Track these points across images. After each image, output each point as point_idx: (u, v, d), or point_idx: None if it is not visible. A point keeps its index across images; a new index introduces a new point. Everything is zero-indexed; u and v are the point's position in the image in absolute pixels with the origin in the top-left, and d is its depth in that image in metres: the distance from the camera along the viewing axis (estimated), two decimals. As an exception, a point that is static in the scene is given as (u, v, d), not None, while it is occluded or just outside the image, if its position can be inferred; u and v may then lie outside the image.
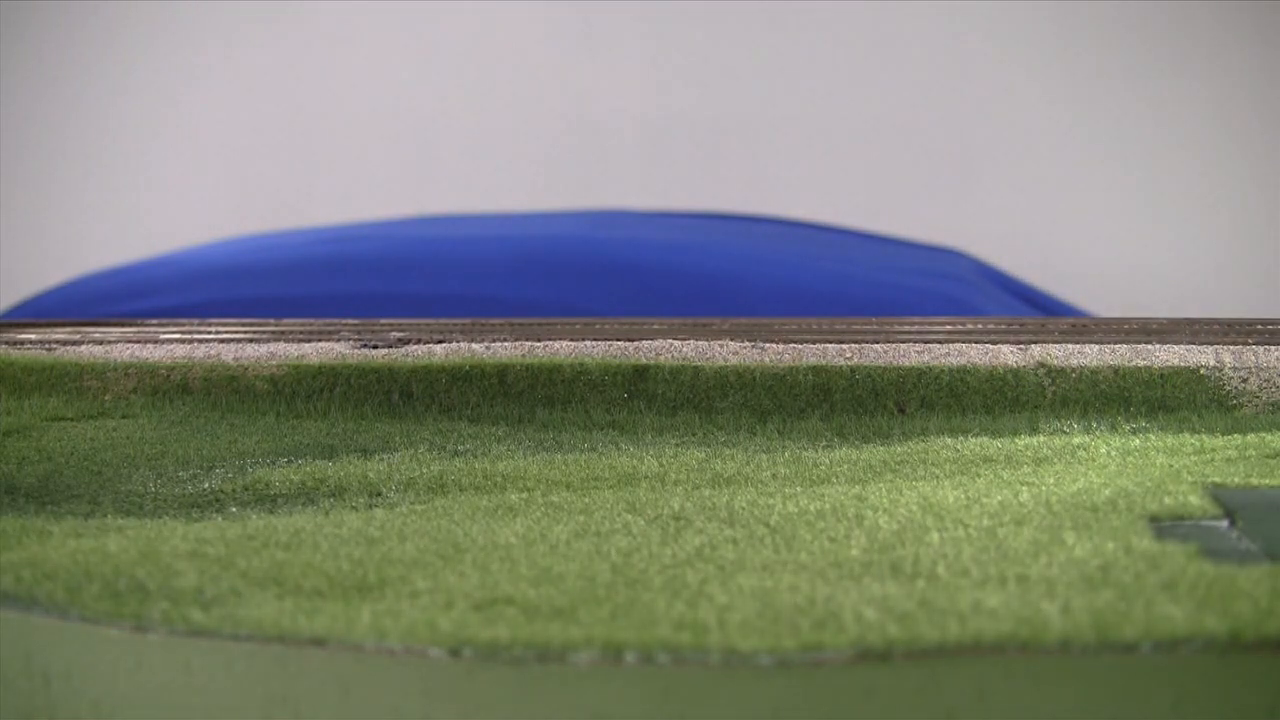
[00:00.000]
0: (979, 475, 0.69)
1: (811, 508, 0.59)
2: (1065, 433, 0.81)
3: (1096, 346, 0.91)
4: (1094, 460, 0.72)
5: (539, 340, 0.96)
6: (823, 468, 0.73)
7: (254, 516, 0.64)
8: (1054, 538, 0.51)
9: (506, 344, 0.96)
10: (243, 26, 2.53)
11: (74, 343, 1.02)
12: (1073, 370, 0.88)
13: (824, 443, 0.82)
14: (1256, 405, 0.84)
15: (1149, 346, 0.90)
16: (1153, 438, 0.77)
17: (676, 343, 0.94)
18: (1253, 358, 0.86)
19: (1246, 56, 2.25)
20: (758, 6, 2.43)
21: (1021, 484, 0.63)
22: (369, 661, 0.42)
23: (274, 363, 0.95)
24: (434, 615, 0.44)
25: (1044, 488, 0.62)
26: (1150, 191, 2.30)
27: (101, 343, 1.01)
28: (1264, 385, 0.85)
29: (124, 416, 0.92)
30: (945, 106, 2.45)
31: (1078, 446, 0.75)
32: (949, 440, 0.79)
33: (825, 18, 2.43)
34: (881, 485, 0.66)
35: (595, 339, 0.96)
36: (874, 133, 2.46)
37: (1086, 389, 0.87)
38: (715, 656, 0.40)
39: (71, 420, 0.90)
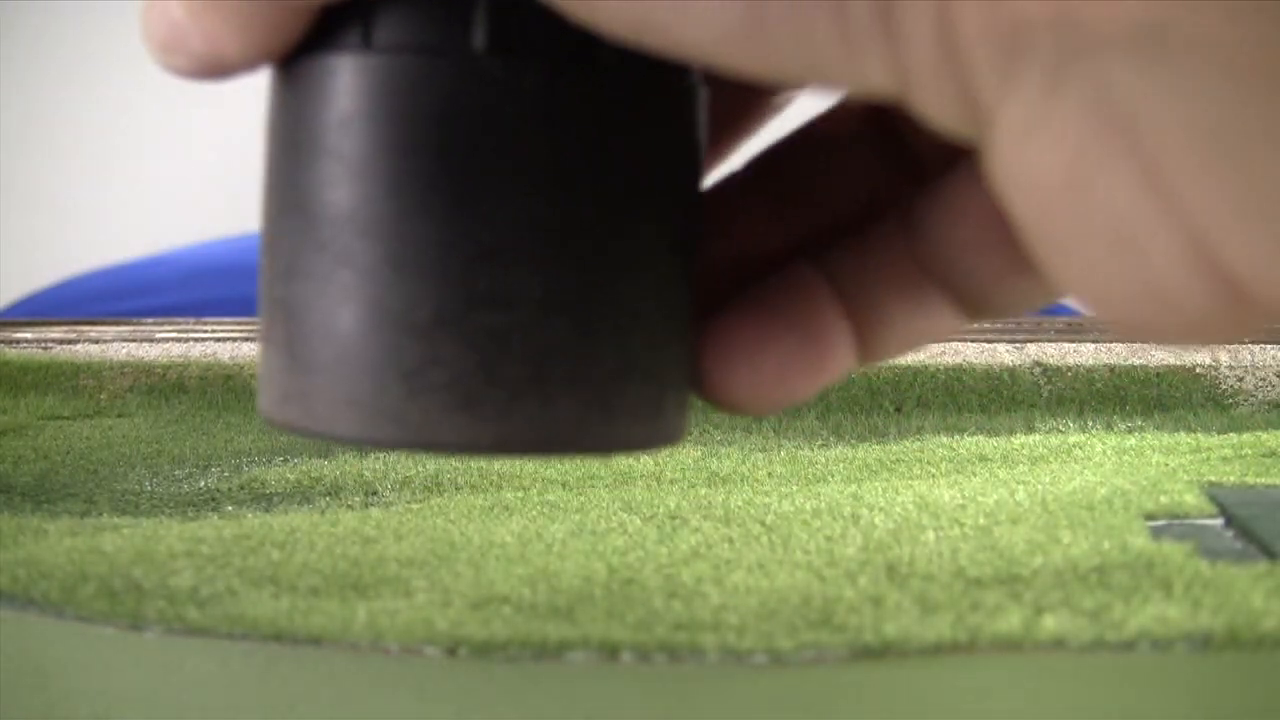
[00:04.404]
0: (975, 474, 0.69)
1: (808, 506, 0.59)
2: (1061, 431, 0.81)
3: (1092, 345, 0.91)
4: (1090, 459, 0.72)
5: (535, 339, 0.96)
6: (819, 466, 0.72)
7: (250, 515, 0.64)
8: (1050, 536, 0.51)
9: (503, 343, 0.96)
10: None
11: (70, 341, 1.02)
12: (1068, 369, 0.88)
13: (820, 441, 0.82)
14: (1252, 404, 0.84)
15: (1145, 345, 0.90)
16: (1149, 436, 0.77)
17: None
18: (1249, 356, 0.86)
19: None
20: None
21: (1017, 483, 0.63)
22: (365, 660, 0.42)
23: (270, 361, 0.95)
24: (430, 614, 0.44)
25: (1040, 486, 0.62)
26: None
27: (97, 341, 1.01)
28: (1260, 384, 0.85)
29: (120, 415, 0.91)
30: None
31: (1074, 445, 0.75)
32: (945, 439, 0.79)
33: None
34: (877, 484, 0.66)
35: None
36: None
37: (1082, 388, 0.87)
38: (711, 656, 0.40)
39: (68, 419, 0.90)
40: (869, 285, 0.22)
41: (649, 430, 0.22)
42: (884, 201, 0.23)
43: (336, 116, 0.22)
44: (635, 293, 0.22)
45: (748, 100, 0.23)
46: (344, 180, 0.22)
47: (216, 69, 0.22)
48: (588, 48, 0.21)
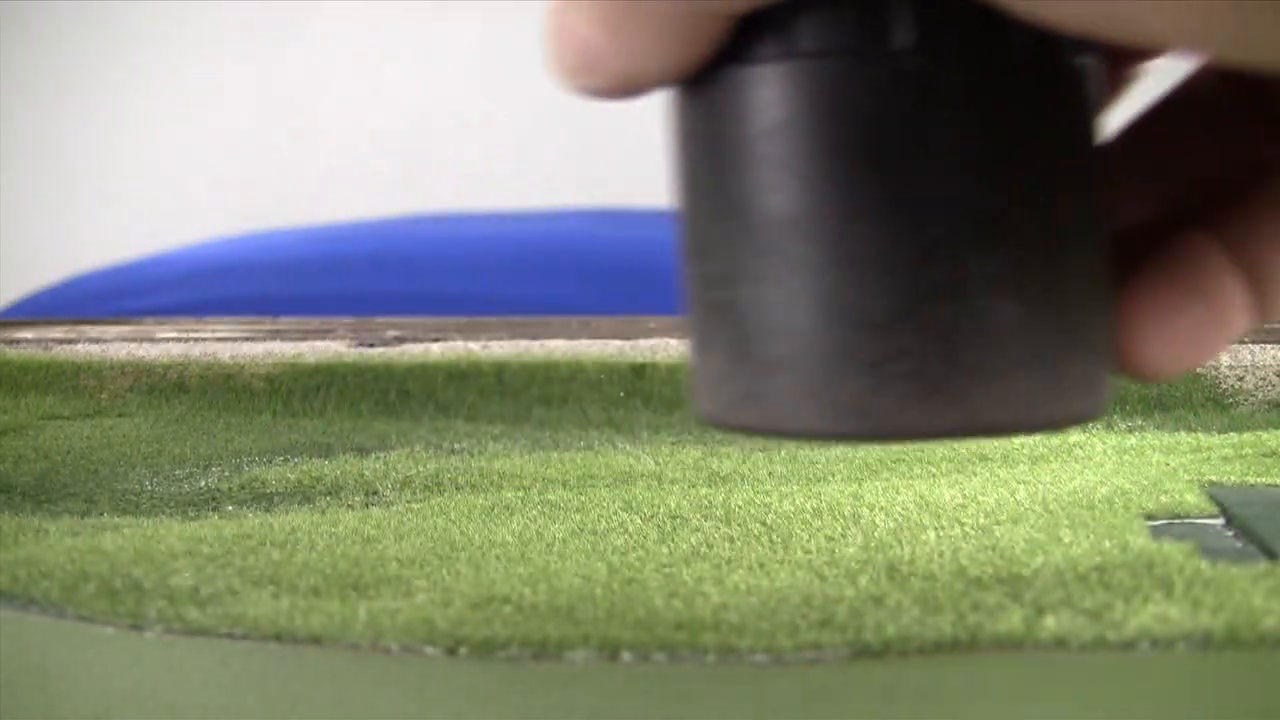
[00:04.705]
0: (975, 474, 0.69)
1: (808, 506, 0.59)
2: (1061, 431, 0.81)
3: (1093, 345, 0.91)
4: (1090, 459, 0.72)
5: (536, 339, 0.96)
6: (819, 466, 0.73)
7: (250, 515, 0.64)
8: (1050, 536, 0.51)
9: (503, 342, 0.96)
10: (240, 24, 2.52)
11: (70, 341, 1.02)
12: (1069, 368, 0.88)
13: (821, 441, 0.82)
14: (1253, 404, 0.84)
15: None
16: (1149, 436, 0.77)
17: (673, 341, 0.94)
18: (1249, 356, 0.86)
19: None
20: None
21: (1018, 482, 0.63)
22: (365, 660, 0.42)
23: (270, 361, 0.95)
24: (430, 614, 0.44)
25: (1040, 486, 0.62)
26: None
27: (98, 341, 1.01)
28: (1260, 384, 0.85)
29: (120, 415, 0.91)
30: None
31: (1074, 445, 0.75)
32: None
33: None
34: (878, 484, 0.66)
35: (592, 337, 0.96)
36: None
37: (1083, 387, 0.87)
38: (711, 655, 0.40)
39: (68, 419, 0.90)
40: (1261, 246, 0.23)
41: (1090, 402, 0.23)
42: (1260, 161, 0.24)
43: (766, 124, 0.22)
44: (1069, 268, 0.23)
45: (1110, 73, 0.24)
46: (781, 185, 0.22)
47: (631, 88, 0.22)
48: (1002, 35, 0.21)
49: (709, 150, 0.23)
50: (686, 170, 0.24)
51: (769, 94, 0.22)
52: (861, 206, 0.22)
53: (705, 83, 0.23)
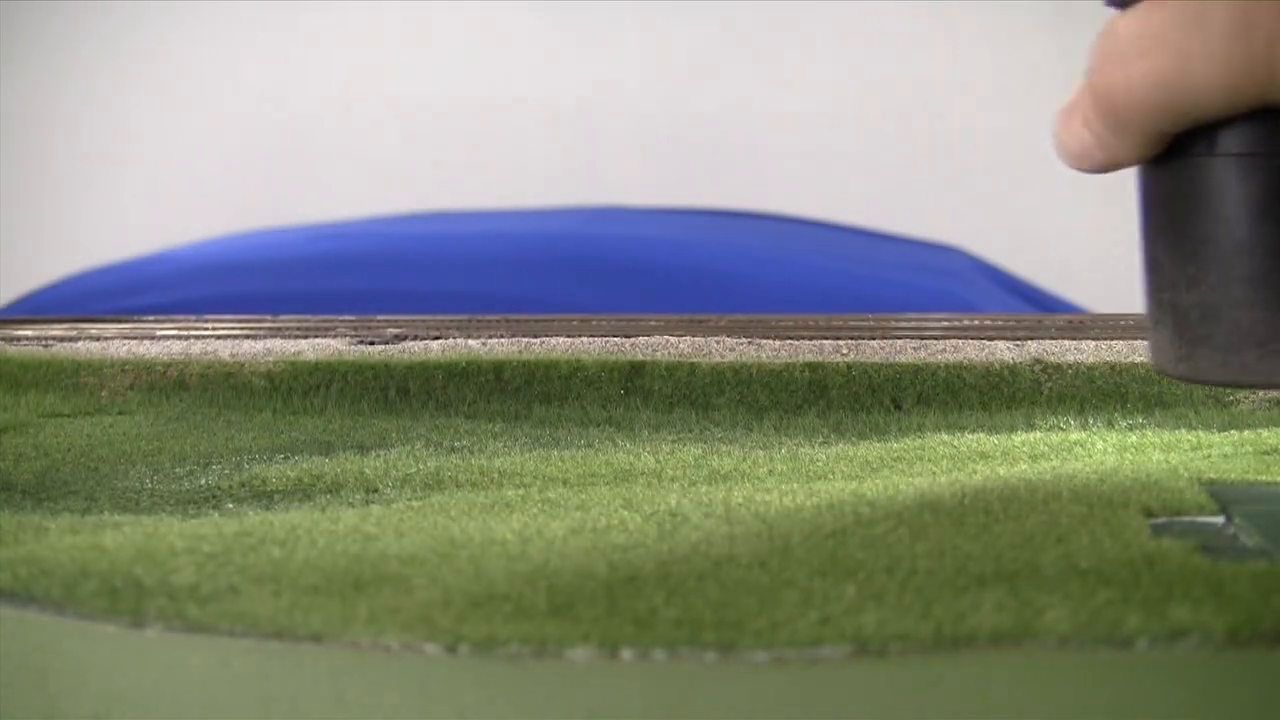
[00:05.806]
0: (975, 472, 0.69)
1: (809, 504, 0.59)
2: (1062, 429, 0.81)
3: (1093, 343, 0.91)
4: (1091, 456, 0.72)
5: (535, 336, 0.96)
6: (820, 464, 0.73)
7: (251, 513, 0.64)
8: (1050, 535, 0.51)
9: (503, 340, 0.96)
10: (238, 22, 2.52)
11: (70, 339, 1.02)
12: (1069, 366, 0.88)
13: (821, 439, 0.82)
14: (1253, 401, 0.84)
15: (1146, 343, 0.90)
16: (1149, 434, 0.77)
17: (673, 339, 0.94)
18: (1249, 354, 0.86)
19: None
20: (756, 4, 2.43)
21: (1018, 480, 0.63)
22: (366, 658, 0.42)
23: (271, 359, 0.95)
24: (431, 612, 0.44)
25: (1041, 484, 0.62)
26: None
27: (98, 339, 1.01)
28: (1260, 382, 0.85)
29: (120, 413, 0.91)
30: (943, 103, 2.44)
31: (1074, 443, 0.75)
32: (945, 437, 0.79)
33: (824, 15, 2.43)
34: (879, 481, 0.66)
35: (591, 335, 0.96)
36: (871, 129, 2.46)
37: (1083, 385, 0.87)
38: (711, 654, 0.40)
39: (68, 417, 0.90)
40: None
41: None
42: None
43: (1198, 194, 0.37)
44: None
45: None
46: (1207, 232, 0.37)
47: (1107, 169, 0.40)
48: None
49: (1161, 207, 0.38)
50: (1148, 218, 0.39)
51: (1199, 176, 0.37)
52: (1257, 246, 0.36)
53: (1158, 165, 0.38)
